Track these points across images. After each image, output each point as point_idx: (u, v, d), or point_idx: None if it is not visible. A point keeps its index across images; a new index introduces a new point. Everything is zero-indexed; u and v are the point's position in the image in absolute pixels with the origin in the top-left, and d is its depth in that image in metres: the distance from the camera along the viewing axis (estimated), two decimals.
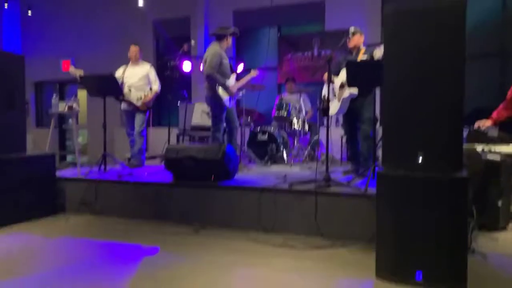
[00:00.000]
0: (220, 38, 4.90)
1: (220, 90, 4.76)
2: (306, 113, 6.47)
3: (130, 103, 5.35)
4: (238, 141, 6.55)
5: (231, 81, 4.90)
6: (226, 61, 4.85)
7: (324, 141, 5.34)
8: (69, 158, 10.18)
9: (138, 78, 5.42)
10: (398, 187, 2.50)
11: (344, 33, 4.51)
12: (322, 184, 3.56)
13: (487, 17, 6.96)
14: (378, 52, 3.86)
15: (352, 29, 4.43)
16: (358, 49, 4.40)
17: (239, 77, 5.23)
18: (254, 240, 3.34)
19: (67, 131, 10.70)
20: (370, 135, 4.23)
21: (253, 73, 5.33)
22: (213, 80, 4.69)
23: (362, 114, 4.31)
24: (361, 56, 4.31)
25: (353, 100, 4.31)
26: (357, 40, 4.41)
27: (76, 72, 4.97)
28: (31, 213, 4.11)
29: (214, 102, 4.79)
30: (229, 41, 4.94)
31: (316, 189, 3.45)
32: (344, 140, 5.76)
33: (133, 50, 5.48)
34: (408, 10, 2.50)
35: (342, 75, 4.35)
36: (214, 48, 4.81)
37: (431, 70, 2.44)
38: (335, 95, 4.43)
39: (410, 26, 2.48)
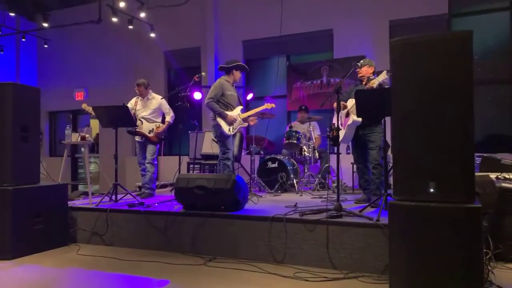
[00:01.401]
0: (227, 71, 5.13)
1: (219, 119, 4.94)
2: (315, 139, 6.47)
3: (142, 135, 5.43)
4: (248, 169, 6.58)
5: (235, 112, 5.05)
6: (231, 93, 5.06)
7: (335, 168, 5.33)
8: (81, 187, 10.27)
9: (150, 110, 5.53)
10: (410, 217, 2.47)
11: (353, 61, 4.59)
12: (334, 214, 3.53)
13: (498, 43, 6.99)
14: (381, 77, 3.92)
15: (361, 61, 4.53)
16: (367, 80, 4.46)
17: (248, 106, 5.32)
18: (265, 271, 3.30)
19: (79, 159, 10.83)
20: (380, 163, 4.22)
21: (268, 105, 5.42)
22: (211, 109, 4.95)
23: (371, 141, 4.33)
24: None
25: (361, 127, 4.33)
26: (365, 71, 4.49)
27: (88, 109, 5.12)
28: (43, 244, 4.12)
29: (216, 130, 4.98)
30: (236, 74, 5.15)
31: (328, 219, 3.42)
32: (355, 167, 5.74)
33: (137, 90, 5.52)
34: (414, 40, 2.54)
35: (350, 103, 4.39)
36: (218, 80, 5.10)
37: (440, 98, 2.45)
38: (341, 123, 4.46)
39: (417, 55, 2.52)
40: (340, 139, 4.35)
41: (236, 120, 5.00)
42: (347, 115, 4.40)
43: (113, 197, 4.93)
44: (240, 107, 5.17)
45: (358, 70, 4.48)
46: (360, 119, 4.23)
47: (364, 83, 4.50)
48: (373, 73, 4.53)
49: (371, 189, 4.37)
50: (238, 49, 8.51)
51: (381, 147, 4.22)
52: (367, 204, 4.00)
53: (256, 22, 8.32)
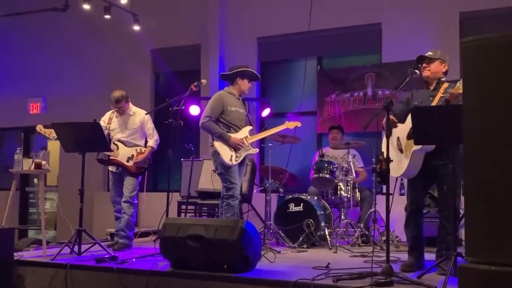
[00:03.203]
0: (230, 80, 5.30)
1: (217, 143, 5.02)
2: (357, 175, 6.45)
3: (118, 164, 5.49)
4: (262, 213, 6.56)
5: (241, 133, 5.16)
6: (235, 109, 5.19)
7: (383, 215, 5.28)
8: (31, 233, 10.31)
9: (129, 131, 5.61)
10: (489, 287, 2.43)
11: (409, 68, 4.46)
12: (382, 280, 3.50)
13: None
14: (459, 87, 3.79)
15: (430, 53, 4.32)
16: (437, 82, 4.30)
17: (264, 126, 5.37)
18: None
19: (31, 194, 10.90)
20: (457, 213, 4.10)
21: (290, 124, 5.44)
22: (207, 130, 5.15)
23: (446, 179, 4.09)
24: (441, 94, 4.17)
25: (431, 156, 4.15)
26: (435, 68, 4.27)
27: (46, 132, 5.08)
28: None
29: (215, 159, 5.11)
30: (242, 83, 5.26)
31: (373, 287, 3.40)
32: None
33: (116, 107, 5.55)
34: (499, 40, 2.54)
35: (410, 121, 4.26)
36: (217, 93, 5.32)
37: None
38: (401, 149, 4.30)
39: (499, 63, 2.52)
40: (401, 172, 4.26)
41: (242, 144, 5.06)
42: (410, 137, 4.16)
43: (76, 248, 4.93)
44: (249, 128, 5.27)
45: (424, 68, 4.30)
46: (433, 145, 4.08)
47: (432, 87, 4.31)
48: (445, 73, 4.35)
49: (441, 248, 4.16)
50: (251, 49, 8.59)
51: (461, 189, 4.06)
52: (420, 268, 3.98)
53: (276, 13, 8.43)
